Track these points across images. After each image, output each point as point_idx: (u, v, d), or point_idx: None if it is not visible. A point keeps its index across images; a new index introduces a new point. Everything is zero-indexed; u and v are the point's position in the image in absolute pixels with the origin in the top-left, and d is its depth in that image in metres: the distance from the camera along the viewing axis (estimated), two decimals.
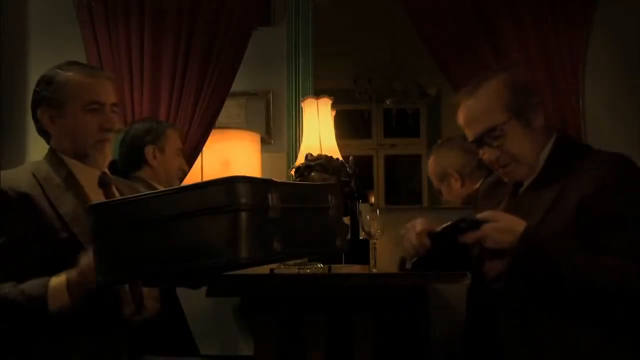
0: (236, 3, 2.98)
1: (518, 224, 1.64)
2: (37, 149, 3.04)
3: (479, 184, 2.74)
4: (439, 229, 1.72)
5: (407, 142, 5.39)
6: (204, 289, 1.68)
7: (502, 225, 1.64)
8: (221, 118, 3.10)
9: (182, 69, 2.94)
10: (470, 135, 1.83)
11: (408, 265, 1.79)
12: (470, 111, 1.81)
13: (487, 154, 1.81)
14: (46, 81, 1.91)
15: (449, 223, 1.69)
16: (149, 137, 2.62)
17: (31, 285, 1.68)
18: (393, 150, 5.40)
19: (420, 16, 2.98)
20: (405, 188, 5.53)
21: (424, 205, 4.78)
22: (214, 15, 2.96)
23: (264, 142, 3.27)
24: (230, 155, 2.91)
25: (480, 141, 1.80)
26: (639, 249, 1.60)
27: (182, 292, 2.22)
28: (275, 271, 2.08)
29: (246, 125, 3.46)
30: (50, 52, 3.09)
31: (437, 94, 4.79)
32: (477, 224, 1.65)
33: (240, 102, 3.48)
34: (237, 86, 3.12)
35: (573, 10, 2.87)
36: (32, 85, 1.93)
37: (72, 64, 1.95)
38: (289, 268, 2.07)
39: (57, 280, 1.66)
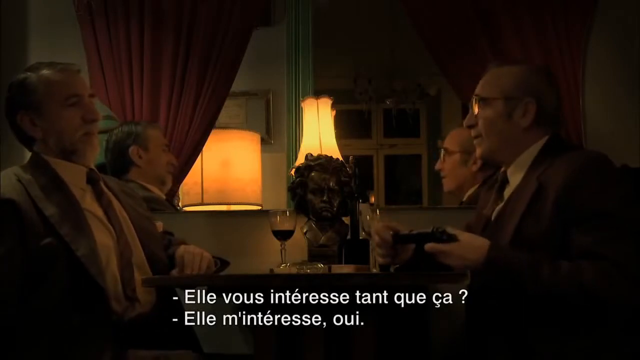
0: (236, 3, 2.98)
1: (481, 242, 1.70)
2: None
3: (479, 183, 2.74)
4: (405, 232, 1.78)
5: (407, 142, 5.41)
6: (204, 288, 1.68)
7: (464, 242, 1.70)
8: (221, 118, 3.10)
9: (182, 69, 2.94)
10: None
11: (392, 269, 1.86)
12: (483, 78, 1.95)
13: (469, 117, 1.94)
14: (18, 86, 1.89)
15: (425, 230, 1.72)
16: (130, 139, 2.67)
17: None
18: (393, 150, 5.41)
19: (420, 16, 2.97)
20: (405, 188, 5.54)
21: (423, 205, 4.80)
22: (214, 15, 2.96)
23: (264, 142, 3.27)
24: (230, 155, 2.91)
25: (475, 100, 1.92)
26: (601, 247, 1.62)
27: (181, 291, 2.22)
28: (275, 271, 2.09)
29: (246, 125, 3.46)
30: (50, 52, 3.08)
31: (437, 94, 4.80)
32: (451, 239, 1.69)
33: (240, 102, 3.49)
34: (237, 86, 3.11)
35: (573, 10, 2.86)
36: None
37: (39, 64, 1.94)
38: (289, 268, 2.07)
39: None
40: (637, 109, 2.87)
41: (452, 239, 1.69)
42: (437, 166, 2.88)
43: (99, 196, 1.93)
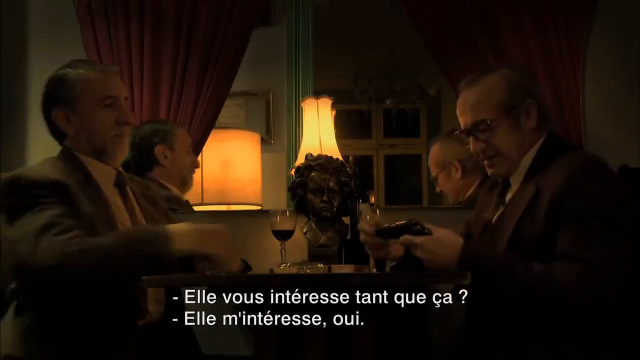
0: (236, 3, 2.98)
1: (454, 239, 1.71)
2: (37, 149, 3.04)
3: (477, 183, 2.76)
4: (386, 225, 1.79)
5: (407, 142, 5.41)
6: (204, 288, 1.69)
7: (437, 236, 1.70)
8: (221, 118, 3.10)
9: (182, 68, 2.94)
10: (461, 124, 1.90)
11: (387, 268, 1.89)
12: (465, 102, 1.88)
13: (473, 145, 1.88)
14: (57, 81, 1.90)
15: (401, 222, 1.74)
16: (157, 137, 2.66)
17: (141, 229, 1.71)
18: (393, 150, 5.41)
19: (420, 16, 2.97)
20: (405, 188, 5.54)
21: (423, 205, 4.80)
22: (214, 15, 2.96)
23: (264, 142, 3.27)
24: (230, 155, 2.92)
25: (468, 132, 1.87)
26: (581, 247, 1.63)
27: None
28: (275, 271, 2.09)
29: (246, 125, 3.46)
30: (50, 52, 3.08)
31: (437, 94, 4.80)
32: (425, 231, 1.71)
33: (240, 102, 3.49)
34: (237, 86, 3.11)
35: (573, 10, 2.86)
36: (32, 85, 1.92)
37: (79, 62, 1.94)
38: (289, 268, 2.07)
39: (177, 225, 1.70)
40: (637, 109, 2.87)
41: (424, 231, 1.70)
42: (437, 190, 2.98)
43: (124, 200, 1.93)
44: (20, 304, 1.78)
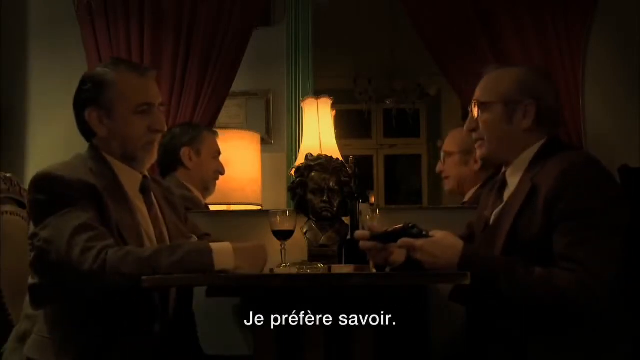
0: (236, 3, 2.98)
1: (453, 242, 1.72)
2: (37, 149, 3.05)
3: (480, 184, 2.74)
4: (384, 230, 1.77)
5: (407, 142, 5.41)
6: (204, 288, 1.69)
7: (437, 239, 1.70)
8: (221, 118, 3.10)
9: (182, 68, 2.94)
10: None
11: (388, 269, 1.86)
12: (481, 83, 1.95)
13: (468, 122, 1.93)
14: (95, 81, 1.86)
15: (399, 225, 1.73)
16: (185, 139, 2.67)
17: (184, 244, 1.71)
18: (393, 150, 5.41)
19: (420, 16, 2.97)
20: (405, 188, 5.54)
21: (423, 205, 4.80)
22: (214, 15, 2.96)
23: (264, 142, 3.27)
24: (230, 155, 2.91)
25: (474, 104, 1.92)
26: (575, 249, 1.63)
27: None
28: (275, 271, 2.09)
29: (246, 125, 3.47)
30: (50, 52, 3.09)
31: (437, 94, 4.80)
32: (423, 234, 1.70)
33: (240, 102, 3.49)
34: (237, 86, 3.11)
35: (573, 10, 2.86)
36: (32, 85, 1.90)
37: (119, 63, 1.91)
38: (289, 268, 2.07)
39: (219, 243, 1.72)
40: (637, 109, 2.86)
41: (421, 234, 1.70)
42: (438, 169, 2.89)
43: (149, 207, 1.92)
44: (39, 300, 1.78)
